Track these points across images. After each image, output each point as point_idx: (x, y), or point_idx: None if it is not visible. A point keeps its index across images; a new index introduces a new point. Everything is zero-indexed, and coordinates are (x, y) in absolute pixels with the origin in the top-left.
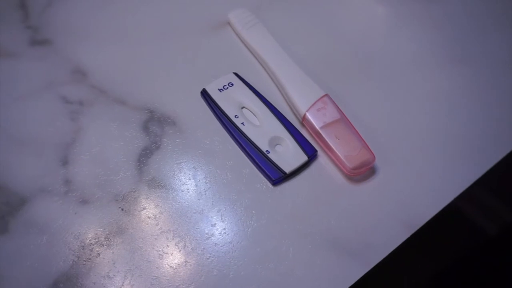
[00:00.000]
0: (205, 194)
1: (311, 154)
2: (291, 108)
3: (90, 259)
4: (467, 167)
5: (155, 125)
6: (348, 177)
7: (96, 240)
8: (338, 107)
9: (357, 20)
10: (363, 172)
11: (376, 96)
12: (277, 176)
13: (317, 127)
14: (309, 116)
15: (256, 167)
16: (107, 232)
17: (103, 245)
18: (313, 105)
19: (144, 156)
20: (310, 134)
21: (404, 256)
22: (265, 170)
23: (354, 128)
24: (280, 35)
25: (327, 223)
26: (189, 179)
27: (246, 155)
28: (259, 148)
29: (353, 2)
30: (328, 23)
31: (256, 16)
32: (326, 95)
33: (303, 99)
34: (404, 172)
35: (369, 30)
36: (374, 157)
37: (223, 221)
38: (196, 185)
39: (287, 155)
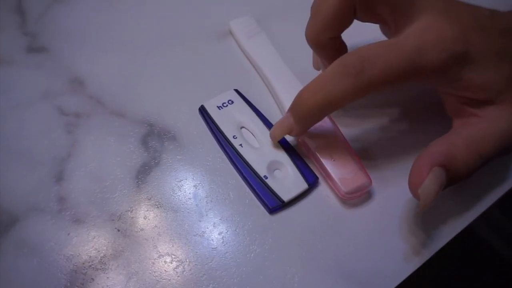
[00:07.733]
0: (207, 215)
1: (312, 182)
2: None
3: (83, 284)
4: (483, 189)
5: (155, 139)
6: (352, 202)
7: (90, 263)
8: (336, 125)
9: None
10: (358, 196)
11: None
12: (275, 204)
13: (313, 147)
14: (304, 135)
15: (253, 193)
16: (101, 255)
17: (97, 269)
18: None
19: (143, 172)
20: (306, 154)
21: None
22: (262, 197)
23: (351, 148)
24: (284, 46)
25: (335, 249)
26: (190, 198)
27: (243, 179)
28: (257, 173)
29: None
30: None
31: (259, 25)
32: None
33: None
34: (410, 195)
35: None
36: (371, 180)
37: (224, 245)
38: (197, 205)
39: (286, 181)
